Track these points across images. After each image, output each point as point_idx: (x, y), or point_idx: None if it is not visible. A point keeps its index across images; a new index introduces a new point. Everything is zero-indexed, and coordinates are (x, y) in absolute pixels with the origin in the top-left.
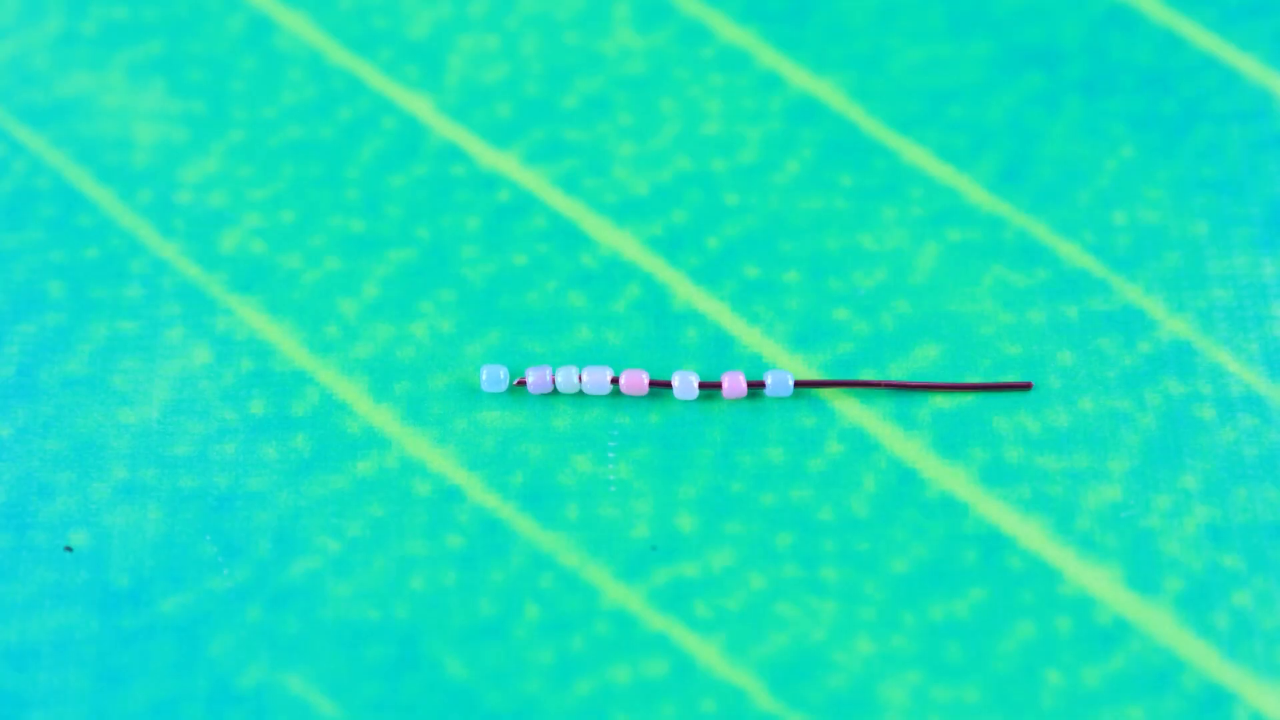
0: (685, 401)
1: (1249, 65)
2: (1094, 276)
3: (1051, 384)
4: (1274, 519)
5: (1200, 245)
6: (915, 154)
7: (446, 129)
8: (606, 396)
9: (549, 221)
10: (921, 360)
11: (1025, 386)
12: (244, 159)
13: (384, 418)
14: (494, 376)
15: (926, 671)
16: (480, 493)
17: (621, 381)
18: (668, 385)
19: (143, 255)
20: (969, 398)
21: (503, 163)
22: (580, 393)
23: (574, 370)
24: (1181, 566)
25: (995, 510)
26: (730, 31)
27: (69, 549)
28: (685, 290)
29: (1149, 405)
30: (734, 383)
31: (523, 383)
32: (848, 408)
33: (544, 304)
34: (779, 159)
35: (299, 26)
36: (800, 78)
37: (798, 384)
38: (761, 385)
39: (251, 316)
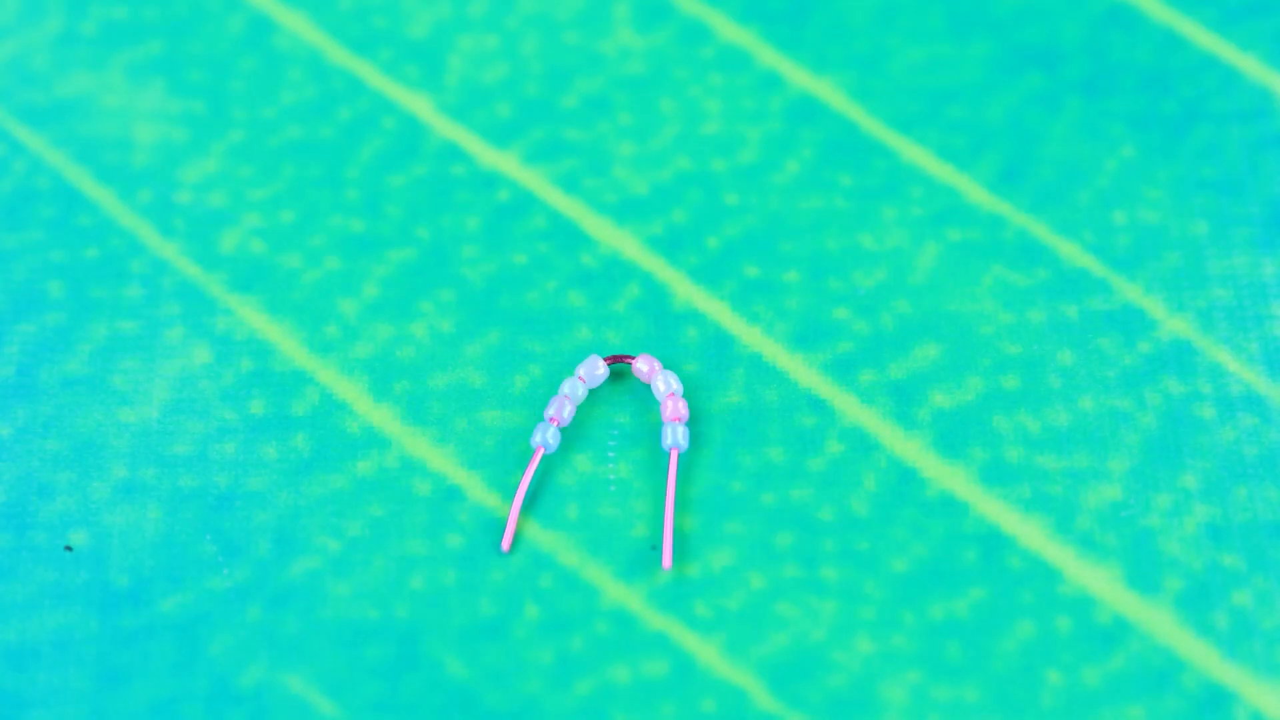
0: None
1: (1249, 65)
2: (1094, 276)
3: (1051, 384)
4: (1274, 519)
5: (1200, 245)
6: (915, 154)
7: (446, 129)
8: (606, 397)
9: (549, 221)
10: (921, 360)
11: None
12: (244, 159)
13: (384, 417)
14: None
15: (926, 671)
16: (480, 492)
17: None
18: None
19: (143, 255)
20: (970, 396)
21: (503, 162)
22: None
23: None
24: (1181, 566)
25: (995, 510)
26: (730, 31)
27: (69, 549)
28: (685, 290)
29: (1149, 405)
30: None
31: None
32: (848, 407)
33: (544, 304)
34: (779, 159)
35: (299, 26)
36: (800, 78)
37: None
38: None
39: (251, 316)
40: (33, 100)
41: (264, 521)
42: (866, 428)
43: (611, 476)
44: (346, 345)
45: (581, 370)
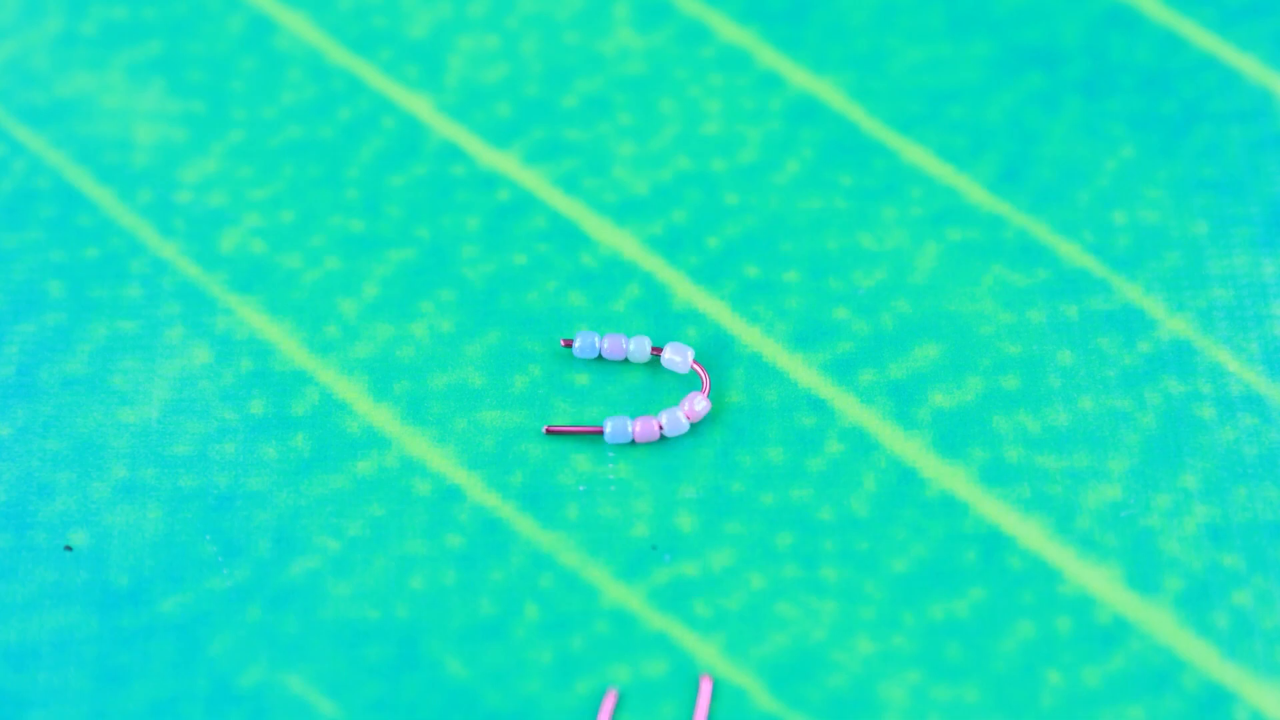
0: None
1: (1249, 65)
2: (1094, 276)
3: (1051, 384)
4: (1274, 519)
5: (1200, 245)
6: (915, 154)
7: (446, 129)
8: (606, 396)
9: (549, 221)
10: (921, 360)
11: (597, 430)
12: (244, 159)
13: (384, 417)
14: (619, 429)
15: (926, 671)
16: (480, 492)
17: (636, 430)
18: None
19: (143, 255)
20: (969, 396)
21: (503, 163)
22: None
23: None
24: (1181, 566)
25: (995, 510)
26: (730, 31)
27: (69, 549)
28: (685, 290)
29: (1149, 405)
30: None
31: (568, 344)
32: (848, 407)
33: (544, 304)
34: (779, 159)
35: (299, 26)
36: (800, 78)
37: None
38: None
39: (251, 316)
40: (33, 100)
41: (264, 521)
42: (866, 428)
43: (611, 476)
44: (346, 345)
45: (632, 344)
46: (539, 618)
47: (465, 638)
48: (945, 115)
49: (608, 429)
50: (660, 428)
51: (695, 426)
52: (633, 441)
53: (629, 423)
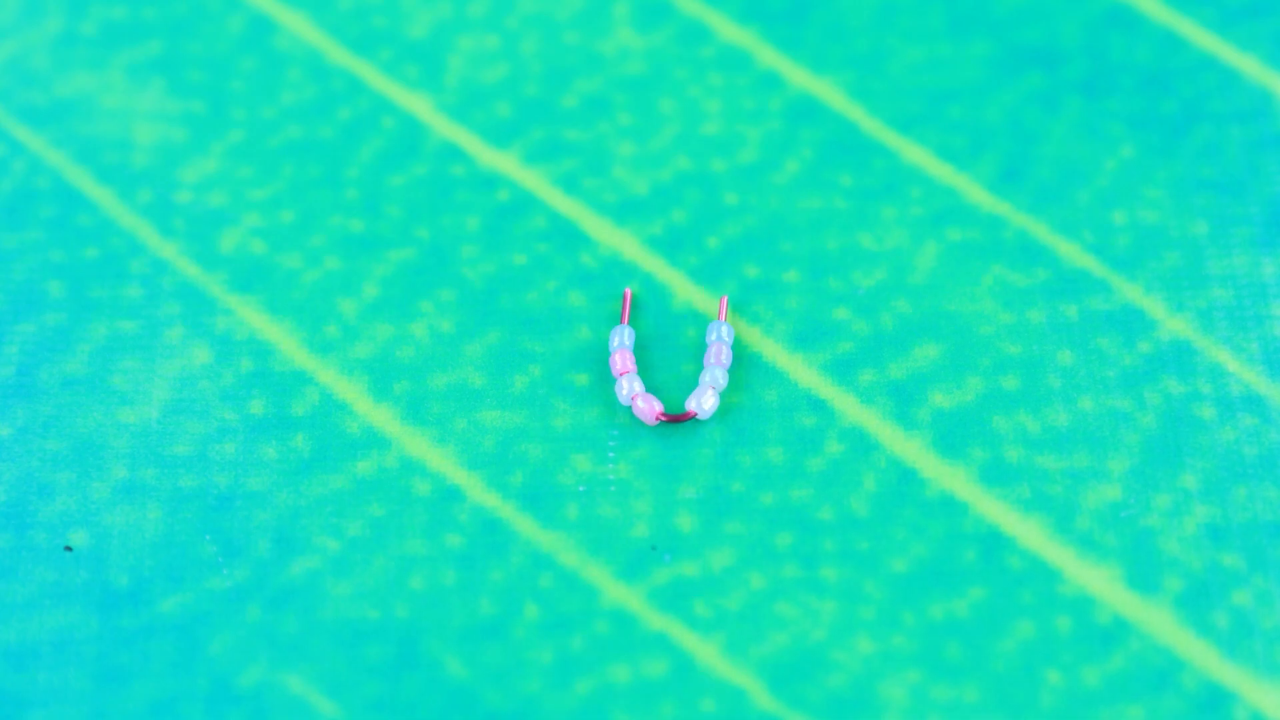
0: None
1: (1249, 65)
2: (1094, 276)
3: (1051, 384)
4: (1274, 519)
5: (1200, 245)
6: (915, 154)
7: (446, 129)
8: (605, 396)
9: (549, 221)
10: (921, 360)
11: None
12: (244, 159)
13: (384, 417)
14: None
15: (926, 671)
16: (480, 492)
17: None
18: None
19: (142, 255)
20: (969, 397)
21: (502, 163)
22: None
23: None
24: (1181, 566)
25: (995, 510)
26: (730, 31)
27: (69, 549)
28: (685, 290)
29: (1149, 405)
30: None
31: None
32: (848, 407)
33: (544, 304)
34: (779, 159)
35: (299, 26)
36: (800, 78)
37: None
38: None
39: (251, 316)
40: (33, 100)
41: (264, 521)
42: (866, 428)
43: (611, 476)
44: (346, 345)
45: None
46: (539, 618)
47: (465, 637)
48: (945, 115)
49: (614, 333)
50: (625, 373)
51: (689, 426)
52: (611, 362)
53: (625, 342)
